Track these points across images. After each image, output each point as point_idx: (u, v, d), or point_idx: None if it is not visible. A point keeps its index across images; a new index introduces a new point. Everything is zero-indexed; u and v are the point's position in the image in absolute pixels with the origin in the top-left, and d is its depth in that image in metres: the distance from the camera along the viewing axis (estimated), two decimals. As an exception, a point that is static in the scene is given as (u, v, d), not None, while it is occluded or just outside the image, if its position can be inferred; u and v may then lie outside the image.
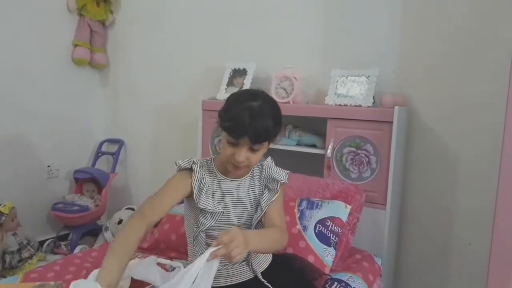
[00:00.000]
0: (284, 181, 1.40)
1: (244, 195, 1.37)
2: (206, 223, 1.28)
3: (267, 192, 1.38)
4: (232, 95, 1.30)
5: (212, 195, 1.32)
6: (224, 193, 1.34)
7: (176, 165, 1.33)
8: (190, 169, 1.32)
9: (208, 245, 1.27)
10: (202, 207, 1.28)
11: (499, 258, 1.42)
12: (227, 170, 1.32)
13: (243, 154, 1.23)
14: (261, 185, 1.40)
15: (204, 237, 1.31)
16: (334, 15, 2.29)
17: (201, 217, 1.29)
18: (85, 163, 3.37)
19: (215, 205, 1.30)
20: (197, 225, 1.30)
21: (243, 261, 1.36)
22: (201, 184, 1.30)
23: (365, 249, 1.98)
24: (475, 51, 1.92)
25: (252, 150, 1.24)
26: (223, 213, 1.31)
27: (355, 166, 2.03)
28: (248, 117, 1.19)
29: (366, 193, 1.94)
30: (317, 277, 1.63)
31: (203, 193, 1.29)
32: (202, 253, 1.25)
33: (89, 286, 1.08)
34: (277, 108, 1.29)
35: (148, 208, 1.26)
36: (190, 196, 1.31)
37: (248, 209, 1.37)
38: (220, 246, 1.08)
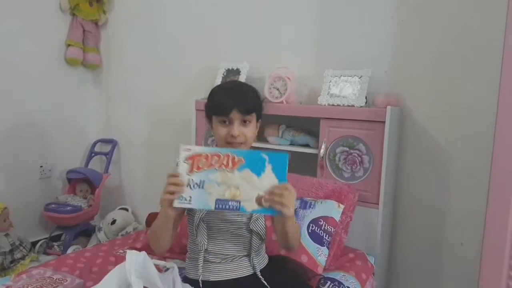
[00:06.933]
0: None
1: None
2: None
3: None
4: (213, 88, 1.44)
5: None
6: None
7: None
8: None
9: (209, 236, 1.37)
10: None
11: (490, 257, 1.43)
12: None
13: (236, 128, 1.32)
14: None
15: (205, 227, 1.37)
16: (327, 15, 2.29)
17: None
18: (78, 163, 3.36)
19: None
20: (197, 213, 1.38)
21: (245, 256, 1.42)
22: None
23: (358, 248, 1.99)
24: (468, 52, 1.93)
25: (244, 123, 1.33)
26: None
27: (348, 165, 2.03)
28: (232, 92, 1.35)
29: (359, 193, 1.95)
30: (311, 277, 1.64)
31: None
32: (204, 243, 1.36)
33: None
34: (253, 87, 1.43)
35: None
36: None
37: None
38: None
